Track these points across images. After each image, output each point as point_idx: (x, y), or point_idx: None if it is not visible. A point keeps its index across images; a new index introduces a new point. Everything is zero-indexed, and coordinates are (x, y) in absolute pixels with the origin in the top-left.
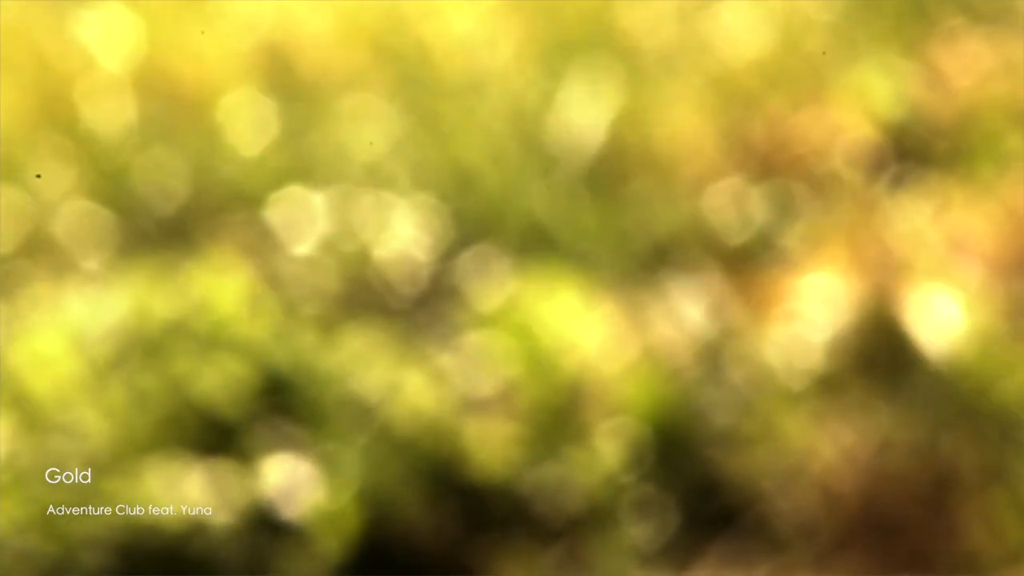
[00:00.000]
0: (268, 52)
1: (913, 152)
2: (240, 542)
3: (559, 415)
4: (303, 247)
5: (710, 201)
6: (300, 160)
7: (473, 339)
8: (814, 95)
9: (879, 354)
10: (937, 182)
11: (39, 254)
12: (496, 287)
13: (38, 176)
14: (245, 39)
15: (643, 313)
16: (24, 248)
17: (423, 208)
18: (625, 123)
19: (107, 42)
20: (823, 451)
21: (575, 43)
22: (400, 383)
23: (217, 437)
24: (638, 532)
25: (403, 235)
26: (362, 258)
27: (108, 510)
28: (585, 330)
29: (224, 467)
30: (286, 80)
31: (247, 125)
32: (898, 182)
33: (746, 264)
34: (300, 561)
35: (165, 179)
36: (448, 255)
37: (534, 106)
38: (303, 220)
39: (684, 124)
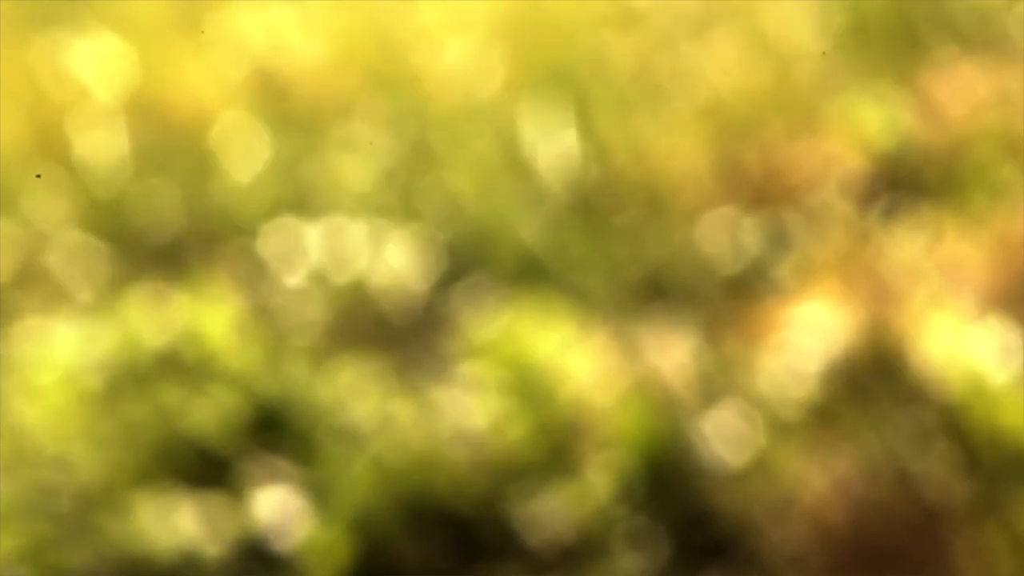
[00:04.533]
0: (261, 80)
1: (906, 182)
2: (231, 574)
3: (550, 446)
4: (295, 277)
5: (703, 231)
6: (293, 189)
7: (465, 370)
8: (807, 125)
9: (872, 384)
10: (930, 212)
11: (31, 285)
12: (488, 318)
13: (38, 176)
14: (238, 67)
15: (635, 344)
16: (16, 279)
17: (416, 238)
18: (617, 153)
19: (100, 72)
20: (815, 482)
21: (567, 72)
22: (392, 414)
23: (208, 469)
24: (630, 564)
25: (395, 265)
26: (354, 288)
27: (99, 543)
28: (577, 361)
29: (215, 499)
30: (279, 108)
31: (240, 154)
32: (891, 212)
33: (739, 294)
34: None
35: (158, 209)
36: (440, 285)
37: (526, 135)
38: (295, 250)
39: (676, 154)
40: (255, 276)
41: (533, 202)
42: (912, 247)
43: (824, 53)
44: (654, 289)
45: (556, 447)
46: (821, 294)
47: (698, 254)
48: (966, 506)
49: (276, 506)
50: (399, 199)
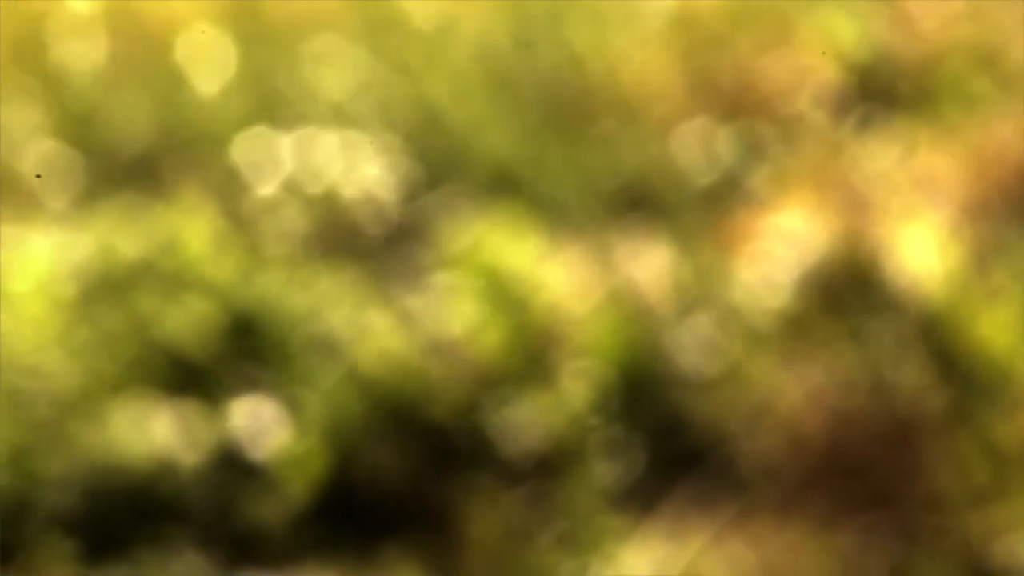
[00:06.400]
0: None
1: (880, 93)
2: (207, 482)
3: (525, 356)
4: (269, 188)
5: (677, 142)
6: (267, 101)
7: (439, 280)
8: (781, 36)
9: (846, 295)
10: (904, 123)
11: (4, 194)
12: (463, 228)
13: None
14: None
15: (610, 254)
16: None
17: (390, 149)
18: (592, 64)
19: None
20: (790, 392)
21: None
22: (367, 324)
23: (183, 378)
24: (604, 473)
25: (370, 176)
26: (328, 199)
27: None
28: (552, 271)
29: (191, 408)
30: (253, 20)
31: (214, 66)
32: (865, 123)
33: (713, 205)
34: (267, 501)
35: (132, 119)
36: (415, 196)
37: (501, 47)
38: (269, 161)
39: (651, 66)
40: (229, 186)
41: (508, 113)
42: (886, 158)
43: None
44: (628, 200)
45: (531, 356)
46: (795, 205)
47: (672, 165)
48: (940, 415)
49: (252, 415)
50: (373, 110)
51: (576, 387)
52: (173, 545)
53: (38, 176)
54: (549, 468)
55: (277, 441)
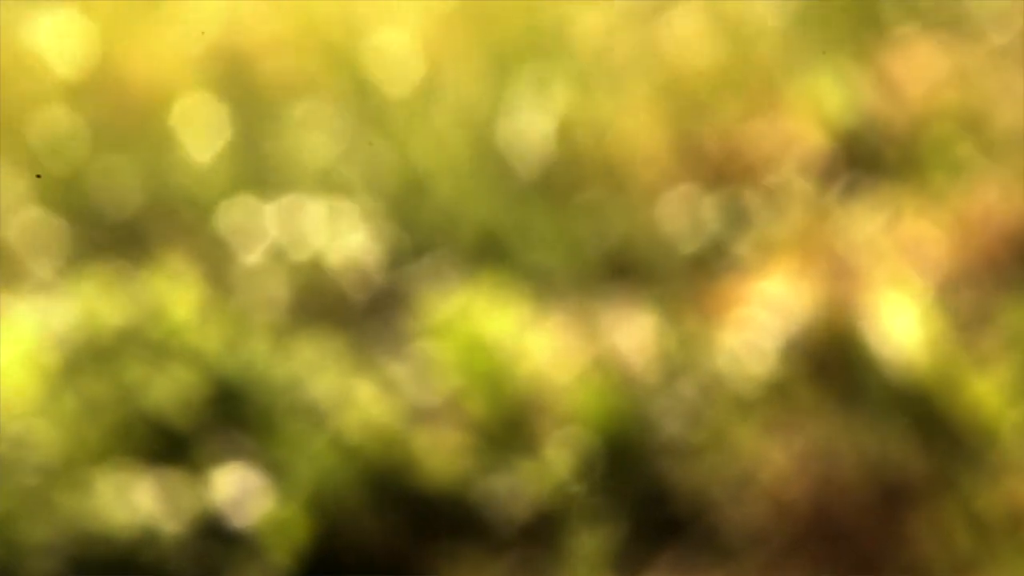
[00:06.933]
0: (220, 58)
1: (865, 160)
2: (190, 551)
3: (509, 424)
4: (254, 255)
5: (663, 209)
6: (252, 167)
7: (424, 348)
8: (766, 103)
9: (831, 362)
10: (889, 190)
11: None
12: (447, 296)
13: (38, 176)
14: (198, 44)
15: (595, 321)
16: None
17: (374, 216)
18: (578, 131)
19: (60, 48)
20: (774, 459)
21: (527, 50)
22: (351, 392)
23: (167, 446)
24: (588, 541)
25: (354, 243)
26: (313, 266)
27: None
28: (536, 339)
29: (174, 476)
30: (238, 86)
31: (200, 131)
32: (850, 190)
33: (699, 272)
34: (250, 570)
35: (118, 186)
36: (400, 263)
37: (486, 113)
38: (255, 228)
39: (637, 132)
40: (214, 254)
41: (493, 180)
42: (871, 225)
43: (783, 31)
44: (614, 267)
45: (515, 425)
46: (780, 271)
47: (658, 232)
48: (924, 483)
49: (235, 483)
50: (357, 177)
51: (560, 455)
52: None
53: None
54: (534, 536)
55: (260, 509)
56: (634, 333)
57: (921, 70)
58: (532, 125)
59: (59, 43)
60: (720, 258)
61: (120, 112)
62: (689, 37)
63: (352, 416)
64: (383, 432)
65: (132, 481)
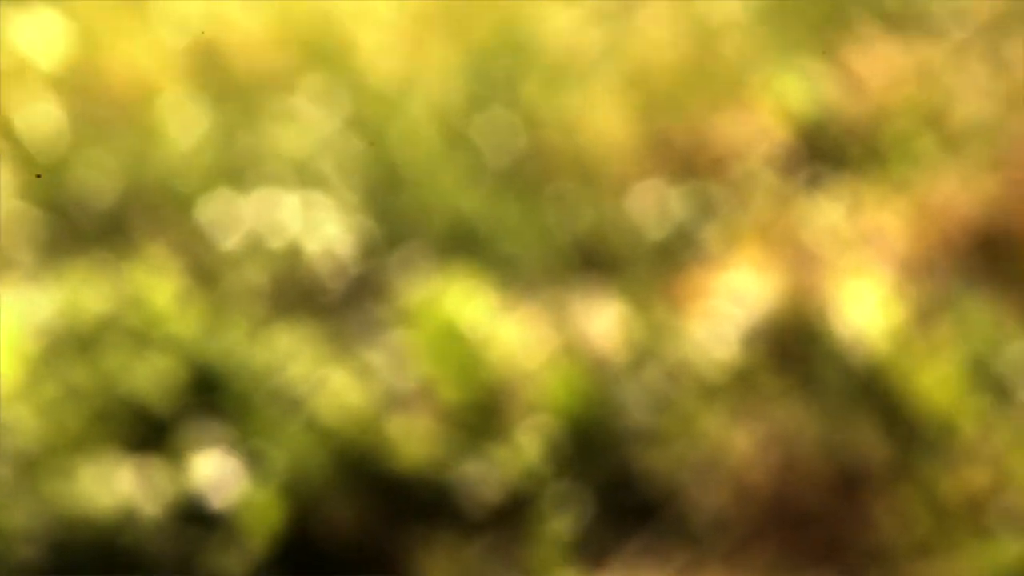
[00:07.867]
0: (200, 53)
1: (828, 152)
2: (169, 534)
3: (480, 410)
4: (233, 245)
5: (631, 201)
6: (231, 159)
7: (398, 335)
8: (732, 97)
9: (794, 349)
10: (851, 182)
11: None
12: (421, 285)
13: (38, 175)
14: (178, 39)
15: (564, 310)
16: None
17: (351, 207)
18: (548, 125)
19: (40, 44)
20: (738, 445)
21: (499, 46)
22: (326, 378)
23: (147, 432)
24: (557, 525)
25: (331, 233)
26: (290, 256)
27: (40, 504)
28: (506, 327)
29: (153, 461)
30: (218, 81)
31: (179, 124)
32: (813, 181)
33: (665, 262)
34: (227, 552)
35: (99, 178)
36: (375, 253)
37: (459, 107)
38: (233, 219)
39: (606, 126)
40: (194, 244)
41: (466, 172)
42: (833, 215)
43: (748, 27)
44: (583, 256)
45: (486, 410)
46: (745, 261)
47: (626, 222)
48: (885, 468)
49: (212, 467)
50: (333, 169)
51: (530, 440)
52: None
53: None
54: (505, 520)
55: (237, 493)
56: (602, 321)
57: (882, 65)
58: (504, 119)
59: (41, 38)
60: (687, 248)
61: (101, 106)
62: (657, 34)
63: (328, 402)
64: (358, 417)
65: (112, 466)
